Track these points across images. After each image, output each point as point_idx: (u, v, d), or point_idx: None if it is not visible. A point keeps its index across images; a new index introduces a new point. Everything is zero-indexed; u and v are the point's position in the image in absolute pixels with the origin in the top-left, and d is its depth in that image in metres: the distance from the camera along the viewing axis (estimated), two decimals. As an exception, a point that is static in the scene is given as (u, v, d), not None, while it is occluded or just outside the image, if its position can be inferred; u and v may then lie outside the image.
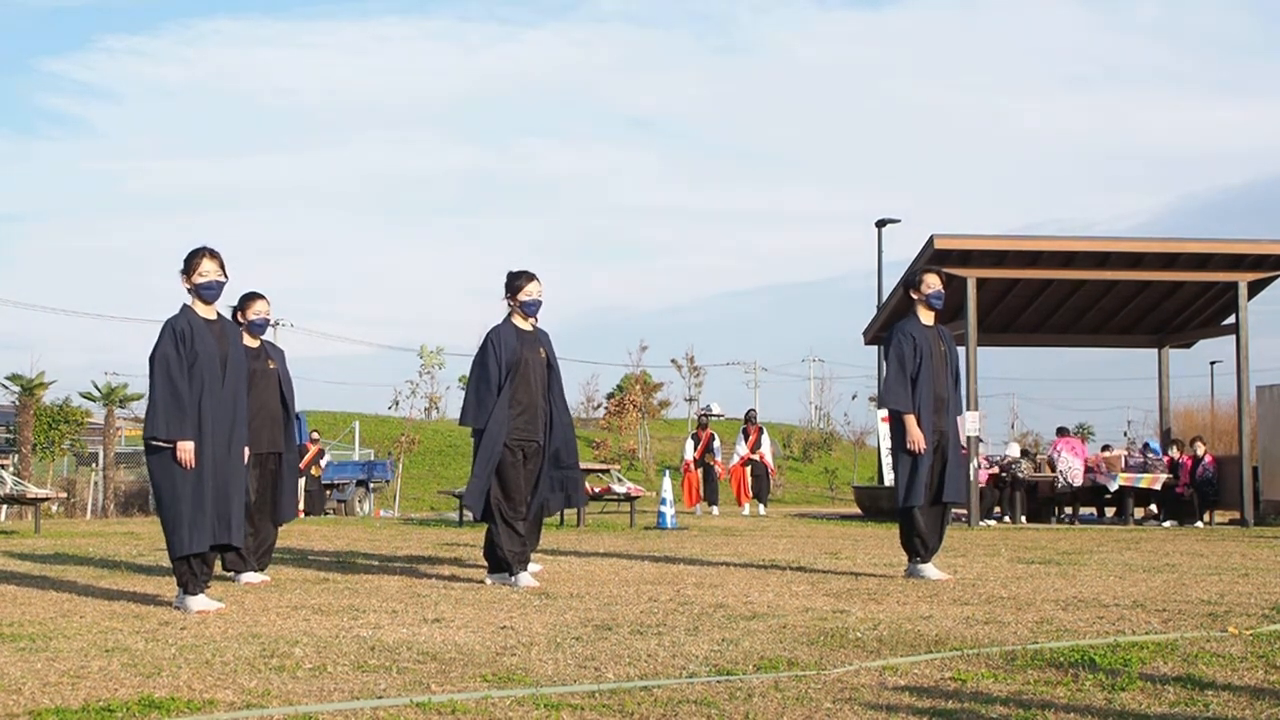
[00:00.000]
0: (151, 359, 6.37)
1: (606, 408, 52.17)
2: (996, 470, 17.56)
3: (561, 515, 15.82)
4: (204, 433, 6.32)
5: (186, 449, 6.26)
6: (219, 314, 6.65)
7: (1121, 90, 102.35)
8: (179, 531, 6.26)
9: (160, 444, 6.30)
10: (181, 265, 6.55)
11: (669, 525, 14.77)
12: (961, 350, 15.62)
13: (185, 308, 6.53)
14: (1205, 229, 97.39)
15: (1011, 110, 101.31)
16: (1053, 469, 18.14)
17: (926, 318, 8.19)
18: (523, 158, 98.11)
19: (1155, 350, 20.59)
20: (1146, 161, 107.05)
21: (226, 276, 6.59)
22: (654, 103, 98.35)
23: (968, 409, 14.34)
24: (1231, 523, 17.65)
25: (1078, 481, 17.82)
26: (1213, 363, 54.21)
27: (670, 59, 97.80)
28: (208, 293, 6.52)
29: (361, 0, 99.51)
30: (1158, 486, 17.70)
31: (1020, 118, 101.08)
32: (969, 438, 14.45)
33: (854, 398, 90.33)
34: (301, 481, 20.92)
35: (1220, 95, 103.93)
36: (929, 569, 7.95)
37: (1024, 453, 19.25)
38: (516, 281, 7.75)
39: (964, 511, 16.04)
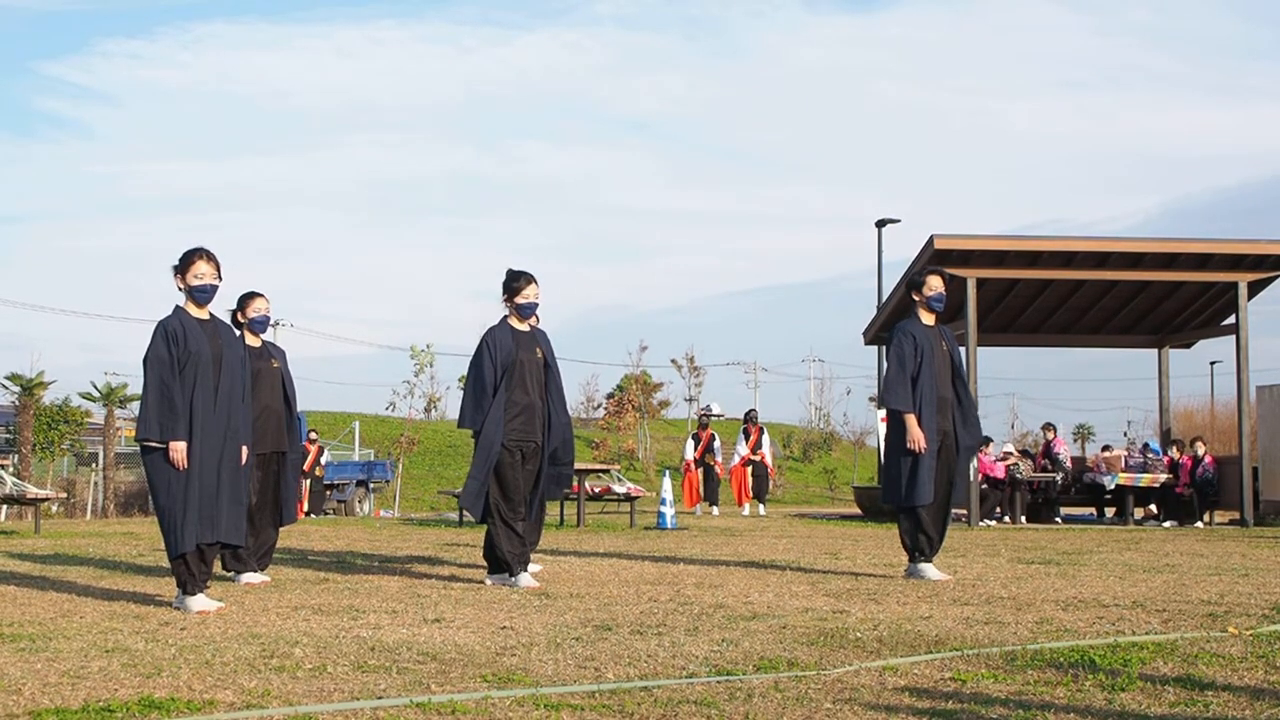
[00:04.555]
0: (144, 360, 6.38)
1: (606, 408, 52.17)
2: (1010, 464, 17.55)
3: (561, 515, 15.83)
4: (195, 433, 6.32)
5: (178, 449, 6.26)
6: (212, 314, 6.65)
7: (1115, 93, 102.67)
8: (174, 532, 6.27)
9: (153, 445, 6.31)
10: (176, 264, 6.54)
11: (669, 525, 14.77)
12: (962, 350, 15.63)
13: (178, 308, 6.53)
14: (1199, 230, 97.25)
15: (1006, 113, 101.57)
16: (1053, 464, 18.14)
17: (927, 319, 8.18)
18: (519, 159, 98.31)
19: (1155, 350, 20.59)
20: (1141, 164, 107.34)
21: (221, 279, 6.59)
22: (649, 105, 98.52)
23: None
24: (1231, 523, 17.65)
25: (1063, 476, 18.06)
26: (1213, 363, 54.32)
27: (664, 62, 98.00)
28: (201, 295, 6.52)
29: (357, 4, 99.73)
30: (1157, 486, 17.70)
31: (1014, 120, 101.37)
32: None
33: (848, 392, 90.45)
34: (307, 483, 20.96)
35: (1213, 98, 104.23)
36: (929, 569, 7.95)
37: (1024, 453, 19.26)
38: (514, 284, 7.74)
39: (964, 511, 16.04)
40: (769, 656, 4.74)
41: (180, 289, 6.54)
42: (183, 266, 6.52)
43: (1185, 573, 8.52)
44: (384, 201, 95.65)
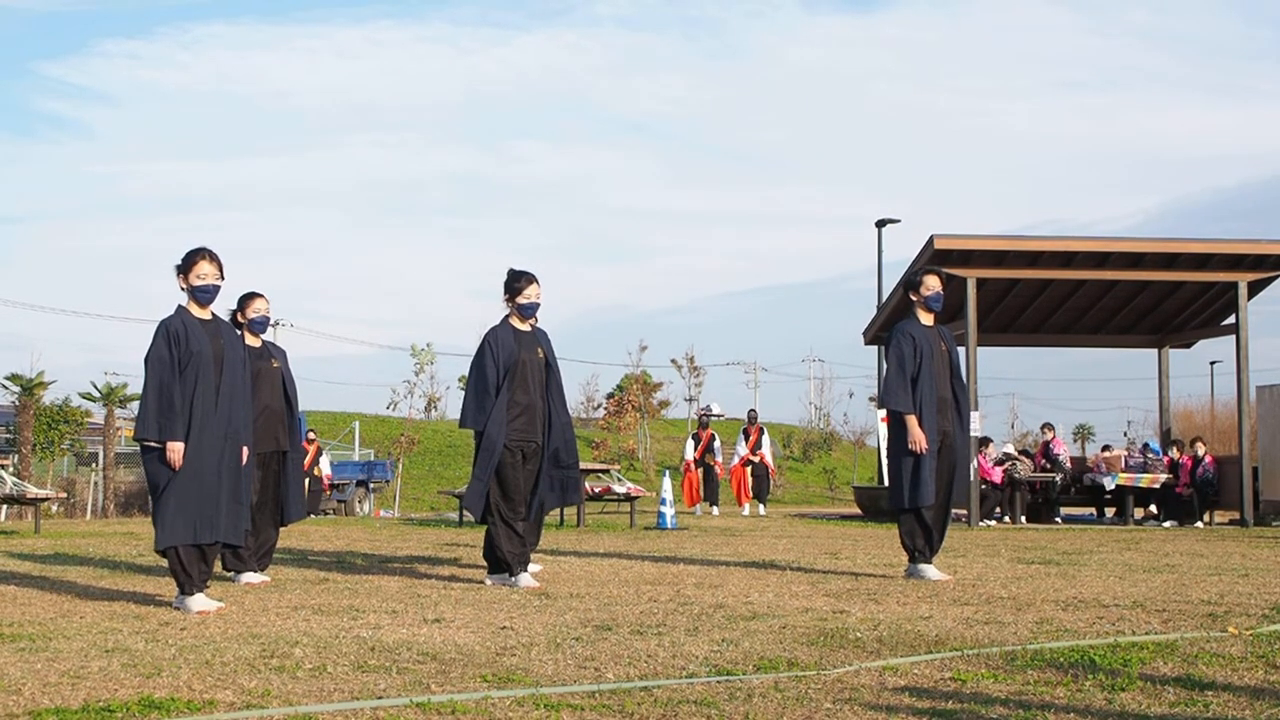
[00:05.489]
0: (145, 360, 6.38)
1: (606, 408, 52.19)
2: (1008, 466, 17.54)
3: (561, 515, 15.83)
4: (196, 433, 6.32)
5: (175, 449, 6.27)
6: (214, 314, 6.65)
7: (1113, 94, 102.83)
8: (160, 529, 6.29)
9: (151, 445, 6.31)
10: (179, 264, 6.55)
11: (669, 525, 14.77)
12: (961, 350, 15.62)
13: (180, 308, 6.53)
14: (1199, 230, 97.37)
15: (1005, 113, 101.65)
16: (1051, 464, 18.13)
17: (926, 319, 8.17)
18: (518, 160, 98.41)
19: (1155, 350, 20.58)
20: (1140, 164, 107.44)
21: (224, 279, 6.59)
22: (648, 106, 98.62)
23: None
24: (1231, 523, 17.65)
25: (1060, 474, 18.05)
26: (1213, 363, 54.39)
27: (663, 62, 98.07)
28: (204, 295, 6.52)
29: (356, 5, 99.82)
30: (1157, 486, 17.70)
31: (1013, 121, 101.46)
32: (972, 437, 14.43)
33: (850, 395, 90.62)
34: (306, 481, 20.95)
35: (1212, 98, 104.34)
36: (929, 569, 7.94)
37: (1023, 453, 19.25)
38: (516, 284, 7.74)
39: (964, 511, 16.03)
40: (769, 656, 4.74)
41: (183, 289, 6.55)
42: (185, 266, 6.52)
43: (1185, 573, 8.52)
44: (384, 201, 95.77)
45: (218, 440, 6.42)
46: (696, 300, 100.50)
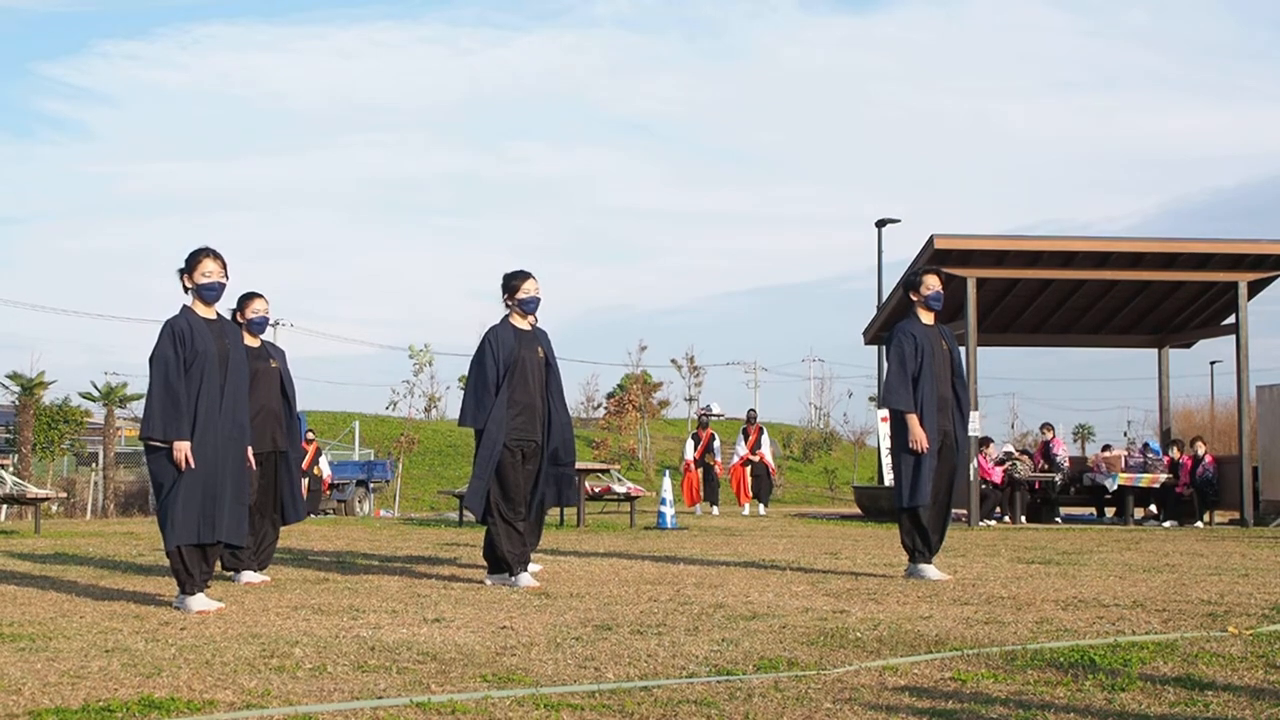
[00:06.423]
0: (150, 359, 6.39)
1: (606, 408, 52.22)
2: (1008, 466, 17.54)
3: (561, 515, 15.82)
4: (200, 432, 6.33)
5: (182, 449, 6.27)
6: (218, 314, 6.66)
7: (1112, 95, 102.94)
8: (168, 528, 6.29)
9: (157, 444, 6.32)
10: (183, 264, 6.56)
11: (669, 525, 14.76)
12: (961, 350, 15.61)
13: (185, 308, 6.54)
14: (1197, 230, 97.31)
15: (1003, 115, 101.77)
16: (1051, 464, 18.12)
17: (926, 318, 8.18)
18: (517, 160, 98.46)
19: (1155, 350, 20.58)
20: (1138, 164, 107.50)
21: (228, 278, 6.60)
22: (648, 105, 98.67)
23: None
24: (1231, 523, 17.64)
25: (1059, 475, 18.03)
26: (1213, 363, 54.37)
27: (663, 62, 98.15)
28: (209, 294, 6.53)
29: (354, 5, 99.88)
30: (1157, 486, 17.69)
31: (1011, 122, 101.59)
32: (971, 437, 14.41)
33: (850, 395, 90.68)
34: (305, 481, 20.95)
35: (1210, 99, 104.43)
36: (929, 569, 7.94)
37: (1023, 453, 19.25)
38: (513, 281, 7.75)
39: (964, 511, 16.03)
40: (769, 656, 4.74)
41: (187, 288, 6.56)
42: (189, 266, 6.53)
43: (1185, 573, 8.52)
44: (384, 201, 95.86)
45: (222, 439, 6.43)
46: (696, 300, 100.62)
